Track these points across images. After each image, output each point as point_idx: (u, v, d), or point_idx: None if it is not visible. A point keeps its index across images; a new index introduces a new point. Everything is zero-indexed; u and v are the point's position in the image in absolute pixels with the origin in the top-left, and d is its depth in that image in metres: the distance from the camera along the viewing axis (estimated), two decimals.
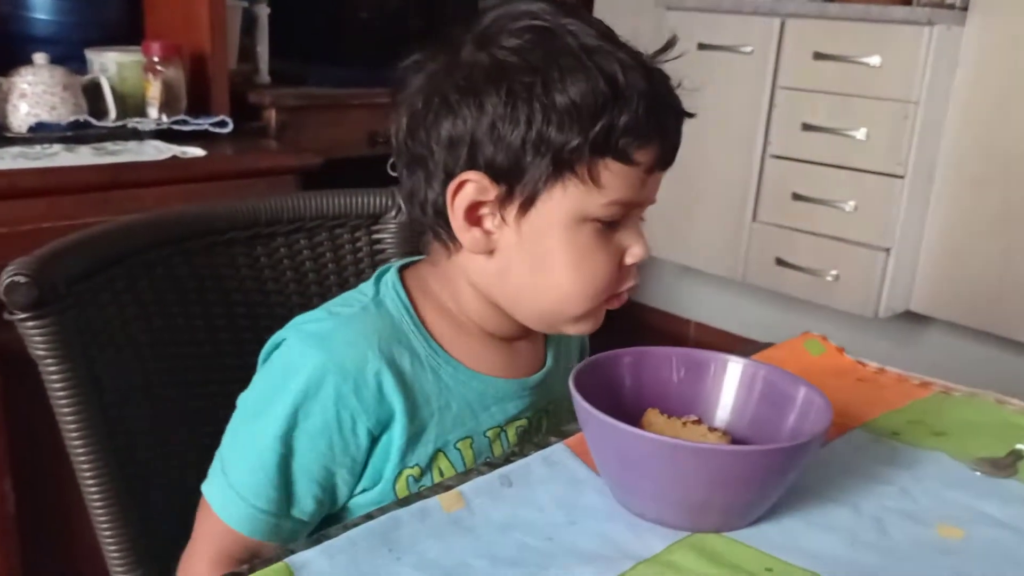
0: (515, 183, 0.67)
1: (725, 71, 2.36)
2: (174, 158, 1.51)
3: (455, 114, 0.67)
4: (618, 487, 0.63)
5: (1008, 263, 2.06)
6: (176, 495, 0.91)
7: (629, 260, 0.71)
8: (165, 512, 0.90)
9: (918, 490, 0.67)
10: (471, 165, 0.67)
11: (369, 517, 0.61)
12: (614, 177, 0.67)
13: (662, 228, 2.60)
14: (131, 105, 1.70)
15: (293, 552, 0.57)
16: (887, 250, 2.17)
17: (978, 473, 0.70)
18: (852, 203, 2.20)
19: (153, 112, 1.68)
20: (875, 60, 2.11)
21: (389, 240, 1.07)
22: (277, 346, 0.73)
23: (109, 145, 1.57)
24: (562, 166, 0.66)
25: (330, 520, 0.74)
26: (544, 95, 0.65)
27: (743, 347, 0.82)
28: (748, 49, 2.33)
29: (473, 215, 0.69)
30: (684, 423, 0.68)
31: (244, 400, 0.73)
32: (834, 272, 2.25)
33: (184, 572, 0.74)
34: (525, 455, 0.69)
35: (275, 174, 1.62)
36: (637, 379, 0.70)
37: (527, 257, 0.70)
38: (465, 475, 0.67)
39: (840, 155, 2.21)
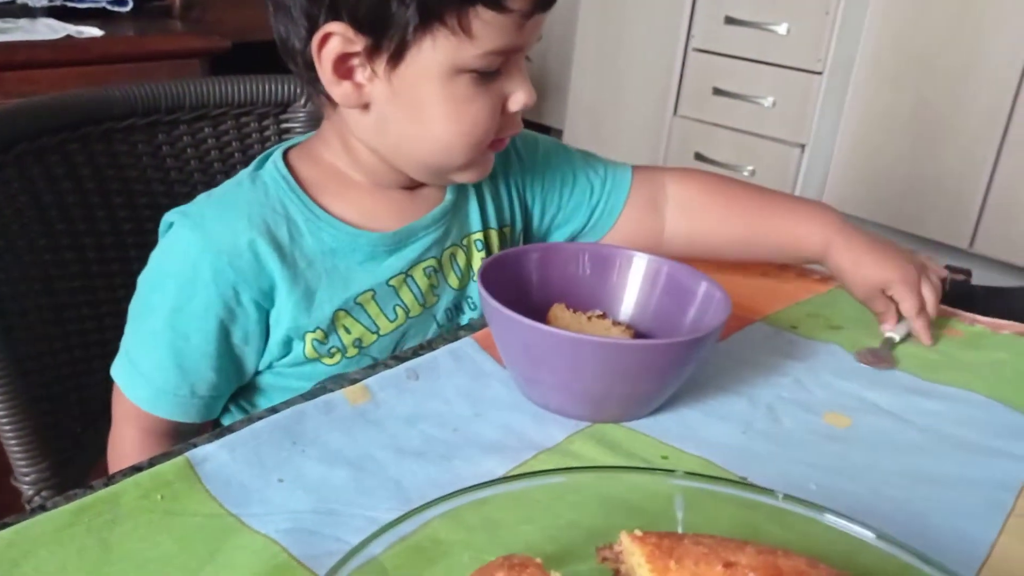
0: (381, 35, 0.64)
1: None
2: (68, 38, 1.43)
3: None
4: (522, 380, 0.64)
5: (917, 161, 2.11)
6: (79, 384, 0.90)
7: (513, 107, 0.69)
8: (68, 402, 0.89)
9: (811, 380, 0.70)
10: (334, 15, 0.64)
11: (273, 411, 0.61)
12: (486, 26, 0.64)
13: (584, 120, 2.58)
14: None
15: (195, 445, 0.56)
16: (802, 146, 2.20)
17: (863, 365, 0.73)
18: (771, 99, 2.22)
19: None
20: None
21: (299, 129, 1.03)
22: (169, 226, 0.72)
23: None
24: (429, 15, 0.63)
25: (249, 390, 0.76)
26: None
27: None
28: None
29: (342, 68, 0.66)
30: (589, 317, 0.69)
31: (139, 282, 0.73)
32: (751, 167, 2.28)
33: (112, 455, 0.75)
34: (433, 349, 0.70)
35: (179, 57, 1.55)
36: (544, 274, 0.71)
37: (402, 110, 0.68)
38: (372, 368, 0.67)
39: (761, 50, 2.21)
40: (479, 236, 0.80)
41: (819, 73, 2.14)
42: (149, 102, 0.93)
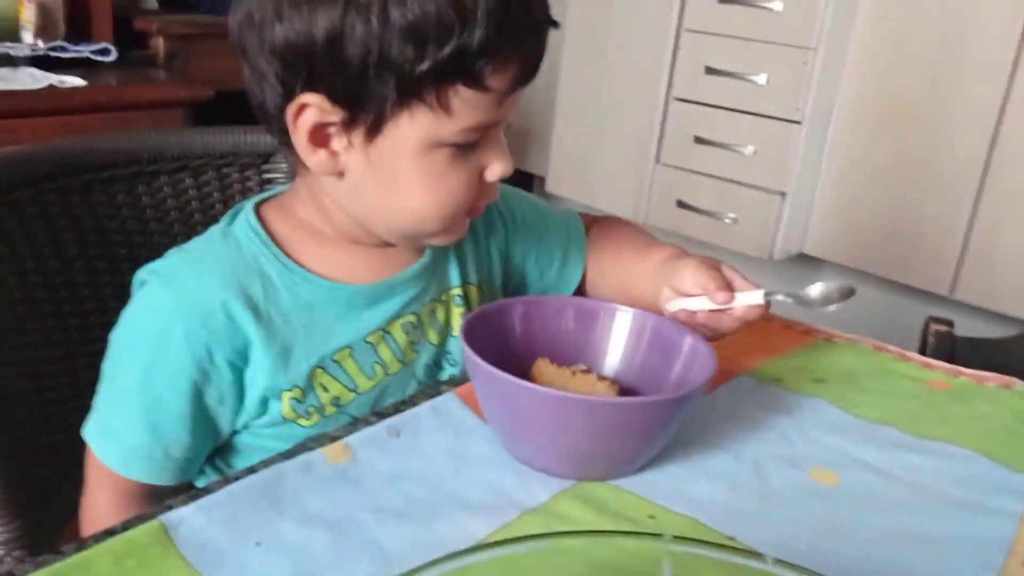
0: (358, 108, 0.63)
1: (632, 12, 2.35)
2: (51, 87, 1.43)
3: (289, 22, 0.62)
4: (505, 437, 0.63)
5: (897, 209, 2.13)
6: (54, 441, 0.88)
7: (490, 177, 0.69)
8: (41, 458, 0.87)
9: (796, 435, 0.69)
10: (310, 86, 0.63)
11: (252, 471, 0.59)
12: (465, 103, 0.63)
13: (567, 167, 2.60)
14: (3, 29, 1.59)
15: (171, 508, 0.55)
16: (783, 194, 2.22)
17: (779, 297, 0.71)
18: (751, 147, 2.24)
19: (28, 37, 1.58)
20: (778, 5, 2.13)
21: (281, 179, 1.03)
22: (142, 284, 0.71)
23: None
24: (407, 92, 0.62)
25: (225, 451, 0.74)
26: (381, 12, 0.59)
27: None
28: None
29: (318, 136, 0.65)
30: (573, 372, 0.68)
31: (111, 340, 0.71)
32: (732, 215, 2.30)
33: (86, 520, 0.73)
34: (415, 405, 0.69)
35: (162, 107, 1.55)
36: (527, 328, 0.70)
37: (378, 181, 0.67)
38: (352, 426, 0.66)
39: (741, 99, 2.24)
40: (458, 291, 0.79)
41: (798, 123, 2.16)
42: (130, 153, 0.92)
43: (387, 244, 0.74)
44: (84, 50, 1.57)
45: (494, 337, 0.66)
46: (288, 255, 0.71)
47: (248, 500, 0.56)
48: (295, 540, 0.54)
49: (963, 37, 1.96)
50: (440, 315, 0.77)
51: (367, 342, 0.73)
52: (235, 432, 0.73)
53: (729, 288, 0.71)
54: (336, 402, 0.72)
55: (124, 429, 0.69)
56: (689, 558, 0.47)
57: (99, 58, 1.58)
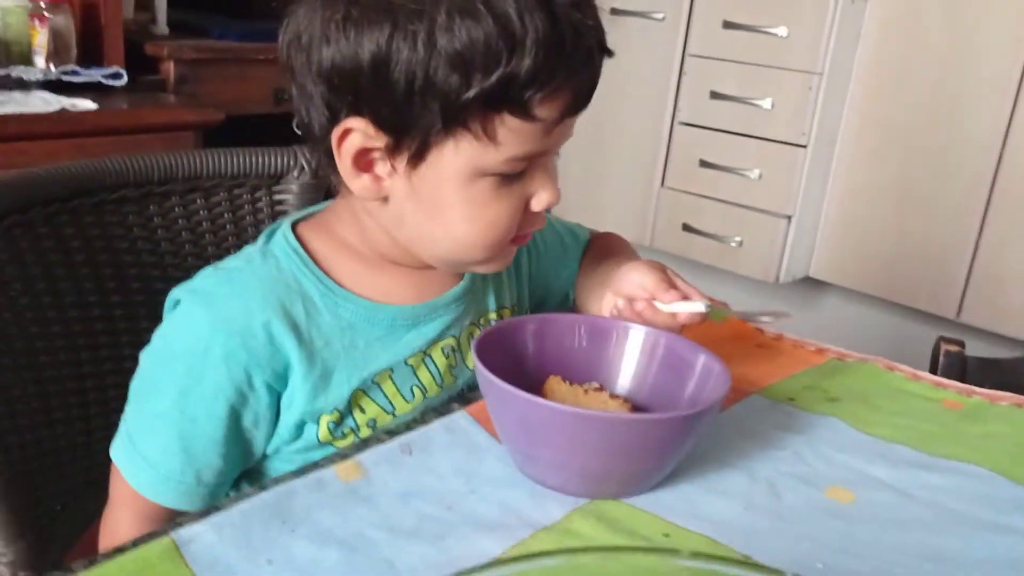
0: (403, 134, 0.62)
1: (637, 37, 2.37)
2: (63, 111, 1.44)
3: (336, 45, 0.61)
4: (519, 455, 0.63)
5: (902, 232, 2.13)
6: (60, 461, 0.87)
7: (536, 207, 0.67)
8: (47, 479, 0.86)
9: (811, 454, 0.69)
10: (356, 111, 0.63)
11: (263, 488, 0.59)
12: (511, 133, 0.62)
13: (573, 191, 2.60)
14: (16, 53, 1.61)
15: (181, 525, 0.55)
16: (788, 217, 2.23)
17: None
18: (757, 171, 2.25)
19: (40, 61, 1.60)
20: (782, 31, 2.14)
21: (291, 201, 1.03)
22: (176, 303, 0.69)
23: None
24: (452, 120, 0.61)
25: (253, 475, 0.73)
26: (428, 38, 0.58)
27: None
28: (660, 16, 2.34)
29: (362, 161, 0.65)
30: (586, 390, 0.68)
31: (143, 359, 0.70)
32: (738, 238, 2.30)
33: (105, 536, 0.72)
34: (426, 423, 0.68)
35: (172, 130, 1.56)
36: (540, 346, 0.70)
37: (421, 208, 0.66)
38: (364, 444, 0.65)
39: (746, 124, 2.25)
40: (495, 315, 0.78)
41: (804, 146, 2.17)
42: (142, 173, 0.92)
43: (428, 267, 0.73)
44: (96, 74, 1.59)
45: (507, 354, 0.66)
46: (328, 275, 0.70)
47: (259, 518, 0.56)
48: (306, 558, 0.53)
49: (967, 61, 1.97)
50: None
51: (407, 364, 0.72)
52: (265, 456, 0.71)
53: (674, 287, 0.72)
54: (373, 424, 0.71)
55: (156, 453, 0.67)
56: (707, 575, 0.46)
57: (110, 82, 1.60)
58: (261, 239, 0.73)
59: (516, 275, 0.82)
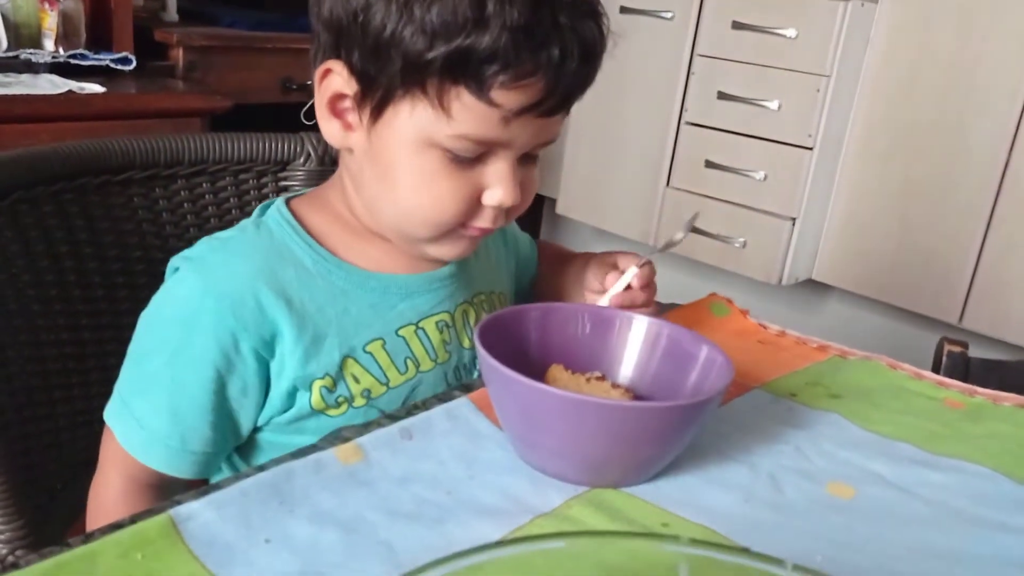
0: (368, 85, 0.65)
1: (646, 35, 2.36)
2: (70, 93, 1.44)
3: None
4: (519, 441, 0.62)
5: (906, 237, 2.13)
6: (60, 440, 0.87)
7: (487, 201, 0.68)
8: (47, 458, 0.86)
9: (812, 449, 0.68)
10: (337, 54, 0.66)
11: (262, 468, 0.59)
12: (466, 110, 0.63)
13: (578, 189, 2.60)
14: (25, 36, 1.60)
15: (179, 503, 0.54)
16: (793, 220, 2.22)
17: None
18: (762, 172, 2.24)
19: (49, 44, 1.60)
20: (791, 32, 2.14)
21: (297, 187, 1.03)
22: (176, 271, 0.71)
23: (0, 77, 1.48)
24: (411, 80, 0.63)
25: (246, 449, 0.74)
26: (406, 3, 0.61)
27: (651, 309, 0.83)
28: (669, 15, 2.33)
29: (336, 107, 0.68)
30: (588, 379, 0.67)
31: (139, 323, 0.71)
32: (742, 239, 2.30)
33: (94, 499, 0.72)
34: (427, 408, 0.68)
35: (180, 116, 1.56)
36: (543, 334, 0.70)
37: (374, 166, 0.68)
38: (364, 427, 0.65)
39: (753, 125, 2.24)
40: (485, 298, 0.79)
41: (810, 148, 2.17)
42: (148, 156, 0.92)
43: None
44: (104, 58, 1.59)
45: (509, 342, 0.65)
46: (322, 245, 0.72)
47: (258, 497, 0.56)
48: (304, 538, 0.53)
49: (975, 67, 1.97)
50: (472, 318, 0.78)
51: (399, 335, 0.72)
52: (257, 430, 0.72)
53: (616, 269, 0.80)
54: (367, 394, 0.71)
55: (146, 412, 0.68)
56: (706, 563, 0.46)
57: (119, 67, 1.60)
58: (256, 212, 0.74)
59: (507, 265, 0.84)
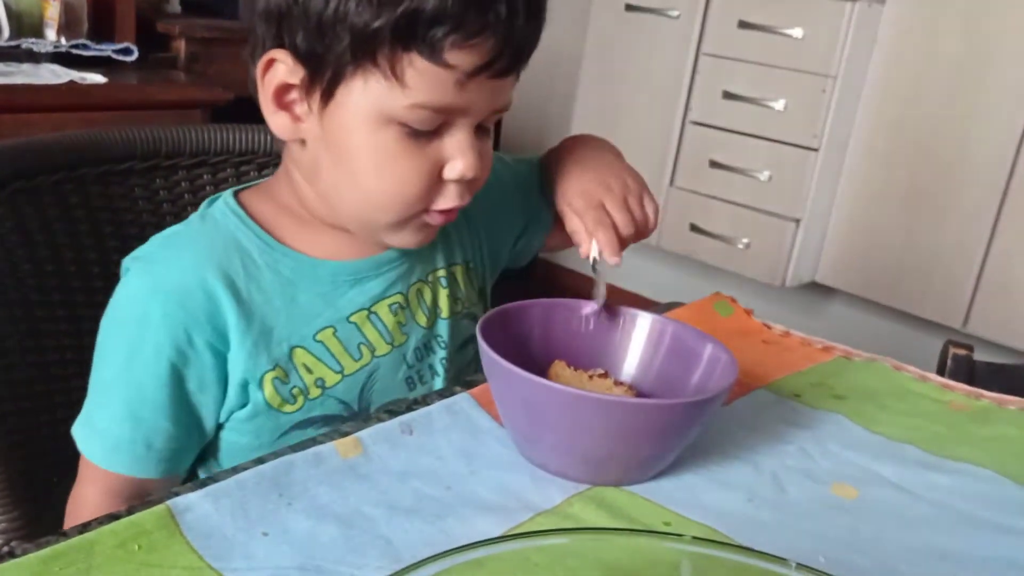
0: (316, 67, 0.63)
1: (651, 34, 2.36)
2: (72, 83, 1.43)
3: None
4: (521, 438, 0.62)
5: (911, 240, 2.12)
6: (57, 432, 0.86)
7: (448, 175, 0.66)
8: (44, 450, 0.86)
9: (816, 450, 0.68)
10: (279, 42, 0.64)
11: (261, 461, 0.58)
12: (420, 76, 0.61)
13: None
14: (27, 25, 1.60)
15: (177, 494, 0.54)
16: (797, 221, 2.22)
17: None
18: (767, 173, 2.24)
19: (51, 34, 1.59)
20: (797, 32, 2.13)
21: None
22: (127, 272, 0.70)
23: (1, 66, 1.47)
24: (361, 53, 0.61)
25: (211, 450, 0.72)
26: None
27: (654, 309, 0.82)
28: (675, 13, 2.33)
29: (283, 99, 0.66)
30: (590, 376, 0.67)
31: (99, 329, 0.70)
32: (746, 240, 2.29)
33: (70, 513, 0.71)
34: (428, 403, 0.67)
35: (181, 107, 1.55)
36: (545, 330, 0.69)
37: (330, 153, 0.66)
38: (364, 421, 0.65)
39: (758, 125, 2.24)
40: (443, 273, 0.77)
41: (815, 149, 2.16)
42: (149, 146, 0.92)
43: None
44: (106, 49, 1.58)
45: (511, 337, 0.65)
46: (271, 234, 0.70)
47: (256, 490, 0.55)
48: (303, 532, 0.52)
49: (982, 69, 1.96)
50: (427, 297, 0.76)
51: (351, 322, 0.71)
52: (221, 427, 0.71)
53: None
54: (321, 383, 0.70)
55: (106, 421, 0.67)
56: (709, 562, 0.46)
57: (121, 57, 1.59)
58: (203, 205, 0.73)
59: (468, 228, 0.80)
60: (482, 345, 0.60)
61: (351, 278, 0.71)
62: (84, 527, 0.50)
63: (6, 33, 1.54)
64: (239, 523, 0.52)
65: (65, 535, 0.50)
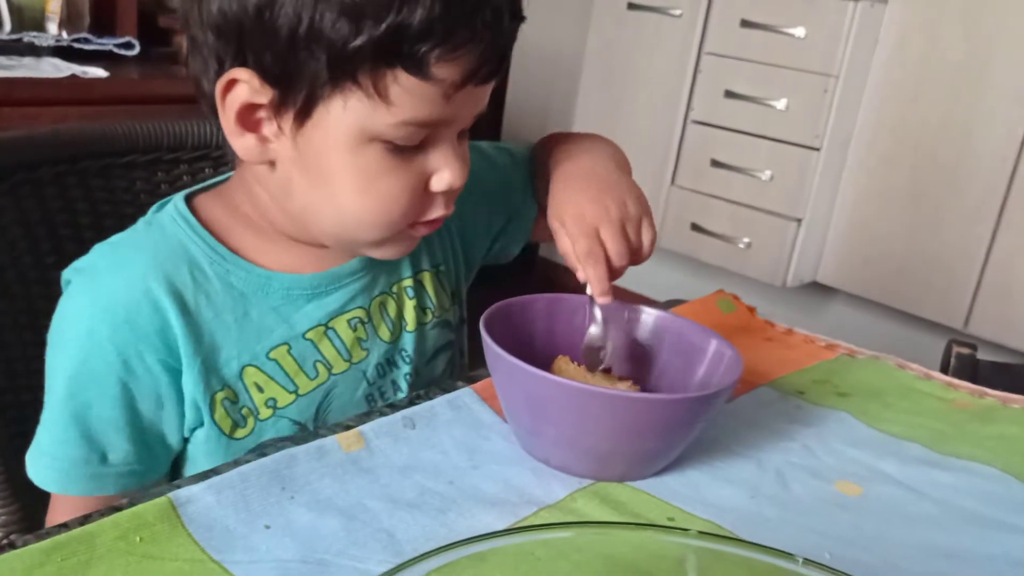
0: (288, 88, 0.57)
1: (653, 33, 2.35)
2: (73, 77, 1.43)
3: None
4: (524, 432, 0.62)
5: (912, 240, 2.12)
6: None
7: (436, 187, 0.62)
8: None
9: (820, 447, 0.68)
10: (241, 60, 0.58)
11: (263, 454, 0.58)
12: (406, 93, 0.57)
13: None
14: (28, 19, 1.60)
15: (179, 486, 0.54)
16: (798, 221, 2.21)
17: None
18: (768, 172, 2.24)
19: (52, 28, 1.59)
20: (800, 32, 2.13)
21: None
22: (68, 284, 0.66)
23: (2, 59, 1.47)
24: (341, 73, 0.56)
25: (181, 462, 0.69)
26: None
27: (656, 306, 0.81)
28: (677, 12, 2.33)
29: (248, 119, 0.60)
30: (594, 372, 0.67)
31: (46, 348, 0.66)
32: (747, 240, 2.29)
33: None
34: (430, 398, 0.67)
35: (183, 102, 1.53)
36: (549, 325, 0.69)
37: (307, 175, 0.61)
38: (367, 415, 0.64)
39: (760, 124, 2.24)
40: (409, 283, 0.73)
41: (817, 149, 2.16)
42: (151, 139, 0.92)
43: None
44: (108, 43, 1.58)
45: (515, 332, 0.65)
46: (223, 243, 0.66)
47: (258, 482, 0.55)
48: (305, 525, 0.52)
49: (984, 70, 1.96)
50: (391, 309, 0.72)
51: (306, 339, 0.67)
52: (187, 440, 0.67)
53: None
54: (273, 403, 0.66)
55: (56, 444, 0.63)
56: (714, 557, 0.45)
57: (122, 52, 1.59)
58: (151, 211, 0.68)
59: (439, 230, 0.73)
60: (485, 339, 0.60)
61: (308, 292, 0.67)
62: (85, 518, 0.50)
63: (7, 27, 1.53)
64: (241, 515, 0.52)
65: (66, 526, 0.50)
